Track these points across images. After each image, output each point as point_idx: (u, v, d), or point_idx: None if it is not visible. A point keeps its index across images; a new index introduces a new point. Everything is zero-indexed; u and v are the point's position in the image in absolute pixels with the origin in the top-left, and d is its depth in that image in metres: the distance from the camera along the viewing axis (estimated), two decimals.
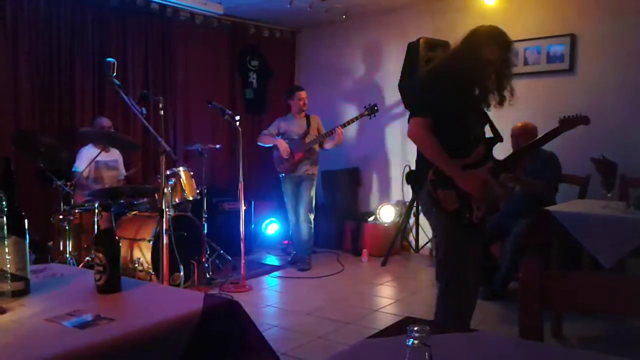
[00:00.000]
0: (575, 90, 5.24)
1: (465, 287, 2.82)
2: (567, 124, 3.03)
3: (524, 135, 4.37)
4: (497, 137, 2.88)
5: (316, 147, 5.67)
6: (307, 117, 5.77)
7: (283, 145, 5.57)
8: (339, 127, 5.55)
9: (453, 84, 2.71)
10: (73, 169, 4.73)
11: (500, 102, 2.81)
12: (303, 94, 5.75)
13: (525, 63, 5.51)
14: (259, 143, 5.86)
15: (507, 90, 2.78)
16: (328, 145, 5.70)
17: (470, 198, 2.70)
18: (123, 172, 5.27)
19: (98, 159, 4.73)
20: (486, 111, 2.89)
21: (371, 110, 5.67)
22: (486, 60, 2.69)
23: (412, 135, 2.75)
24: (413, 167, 2.96)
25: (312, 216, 5.70)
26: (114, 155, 5.14)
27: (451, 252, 2.80)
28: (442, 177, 2.70)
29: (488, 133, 2.93)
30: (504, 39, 2.73)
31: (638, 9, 4.94)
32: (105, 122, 5.03)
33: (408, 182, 2.98)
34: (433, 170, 2.72)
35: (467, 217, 2.71)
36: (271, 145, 5.73)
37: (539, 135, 4.47)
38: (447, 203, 2.70)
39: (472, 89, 2.81)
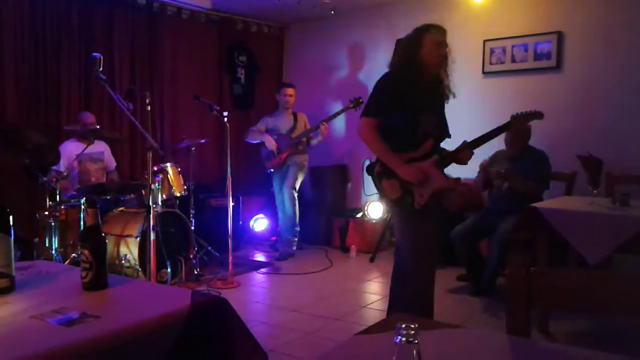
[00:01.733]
0: (562, 88, 5.28)
1: (418, 268, 3.07)
2: (518, 120, 3.22)
3: (518, 131, 4.38)
4: (446, 134, 3.15)
5: (303, 140, 5.80)
6: (295, 114, 5.91)
7: (270, 140, 5.72)
8: (323, 122, 5.69)
9: (403, 83, 3.00)
10: (53, 168, 4.65)
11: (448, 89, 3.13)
12: (289, 90, 5.90)
13: (513, 60, 5.53)
14: (246, 140, 5.95)
15: (447, 82, 3.09)
16: (314, 141, 5.86)
17: (412, 187, 2.98)
18: (112, 163, 5.22)
19: (81, 151, 4.65)
20: (441, 107, 3.15)
21: (356, 103, 5.78)
22: (432, 44, 2.98)
23: (359, 134, 3.06)
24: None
25: (296, 194, 5.84)
26: (99, 147, 5.03)
27: (401, 237, 3.13)
28: (387, 168, 3.01)
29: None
30: (438, 25, 3.05)
31: (625, 6, 4.98)
32: (89, 117, 4.97)
33: (368, 174, 3.21)
34: (379, 163, 3.05)
35: (410, 203, 2.99)
36: (258, 142, 5.84)
37: (531, 131, 4.52)
38: (390, 192, 3.03)
39: (424, 85, 3.04)
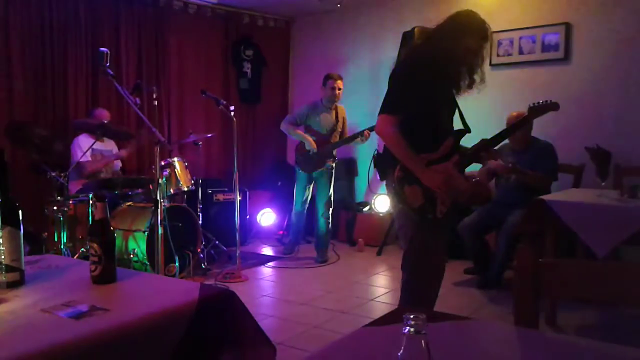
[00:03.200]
0: (570, 80, 5.25)
1: (428, 280, 2.85)
2: (536, 111, 2.96)
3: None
4: (466, 129, 2.85)
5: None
6: (335, 109, 5.48)
7: (312, 143, 5.30)
8: (368, 129, 5.10)
9: (430, 76, 2.68)
10: (75, 160, 4.69)
11: (469, 86, 2.78)
12: (339, 82, 5.38)
13: (520, 52, 5.51)
14: (282, 130, 5.55)
15: (477, 74, 2.75)
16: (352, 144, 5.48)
17: (434, 193, 2.71)
18: (119, 164, 5.26)
19: (94, 147, 4.72)
20: (456, 100, 2.87)
21: None
22: (468, 49, 2.67)
23: (379, 132, 2.74)
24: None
25: (330, 210, 5.58)
26: (109, 145, 5.14)
27: (416, 246, 2.82)
28: (408, 173, 2.71)
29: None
30: (485, 27, 2.72)
31: None
32: (104, 113, 5.02)
33: (375, 166, 2.97)
34: (400, 166, 2.73)
35: (432, 212, 2.72)
36: (295, 137, 5.50)
37: (534, 125, 4.48)
38: (412, 199, 2.72)
39: (447, 79, 2.76)
